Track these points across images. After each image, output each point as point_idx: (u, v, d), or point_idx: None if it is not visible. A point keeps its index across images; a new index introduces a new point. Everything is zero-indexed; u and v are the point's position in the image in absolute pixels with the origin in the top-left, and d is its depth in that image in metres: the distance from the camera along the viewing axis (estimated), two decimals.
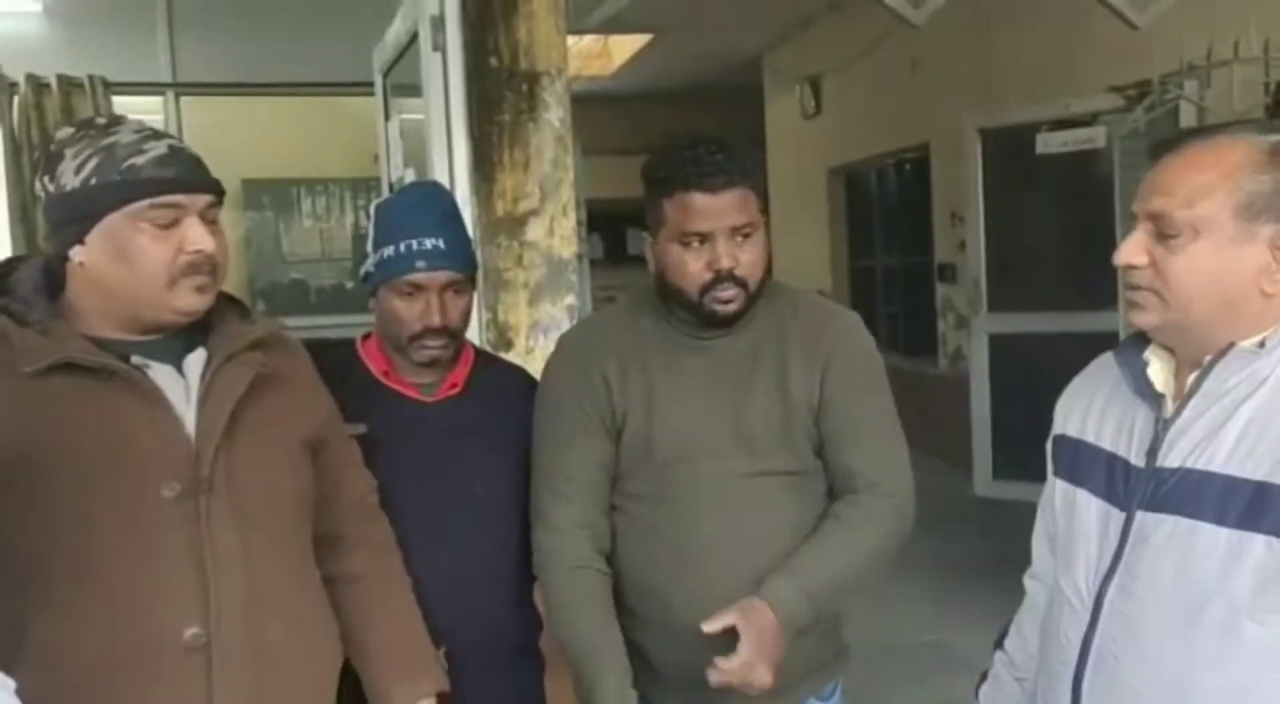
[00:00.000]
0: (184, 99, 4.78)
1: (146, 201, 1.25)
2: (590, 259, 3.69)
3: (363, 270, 1.78)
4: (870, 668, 1.52)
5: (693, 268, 1.60)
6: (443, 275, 1.70)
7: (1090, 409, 1.33)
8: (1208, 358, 1.18)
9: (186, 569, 1.25)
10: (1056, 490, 1.36)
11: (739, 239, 1.60)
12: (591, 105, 6.14)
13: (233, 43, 4.59)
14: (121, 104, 4.74)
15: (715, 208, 1.57)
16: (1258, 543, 1.11)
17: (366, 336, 1.82)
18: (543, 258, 2.65)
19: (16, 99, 4.51)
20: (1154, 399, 1.23)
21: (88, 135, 1.27)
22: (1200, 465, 1.16)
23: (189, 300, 1.29)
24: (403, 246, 1.69)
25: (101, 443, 1.24)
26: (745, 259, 1.60)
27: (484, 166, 2.62)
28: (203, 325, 1.35)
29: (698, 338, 1.67)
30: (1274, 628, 1.12)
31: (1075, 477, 1.32)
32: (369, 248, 1.76)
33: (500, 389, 1.80)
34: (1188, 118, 4.15)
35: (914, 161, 7.13)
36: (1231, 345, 1.16)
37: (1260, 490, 1.11)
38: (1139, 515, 1.21)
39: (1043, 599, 1.41)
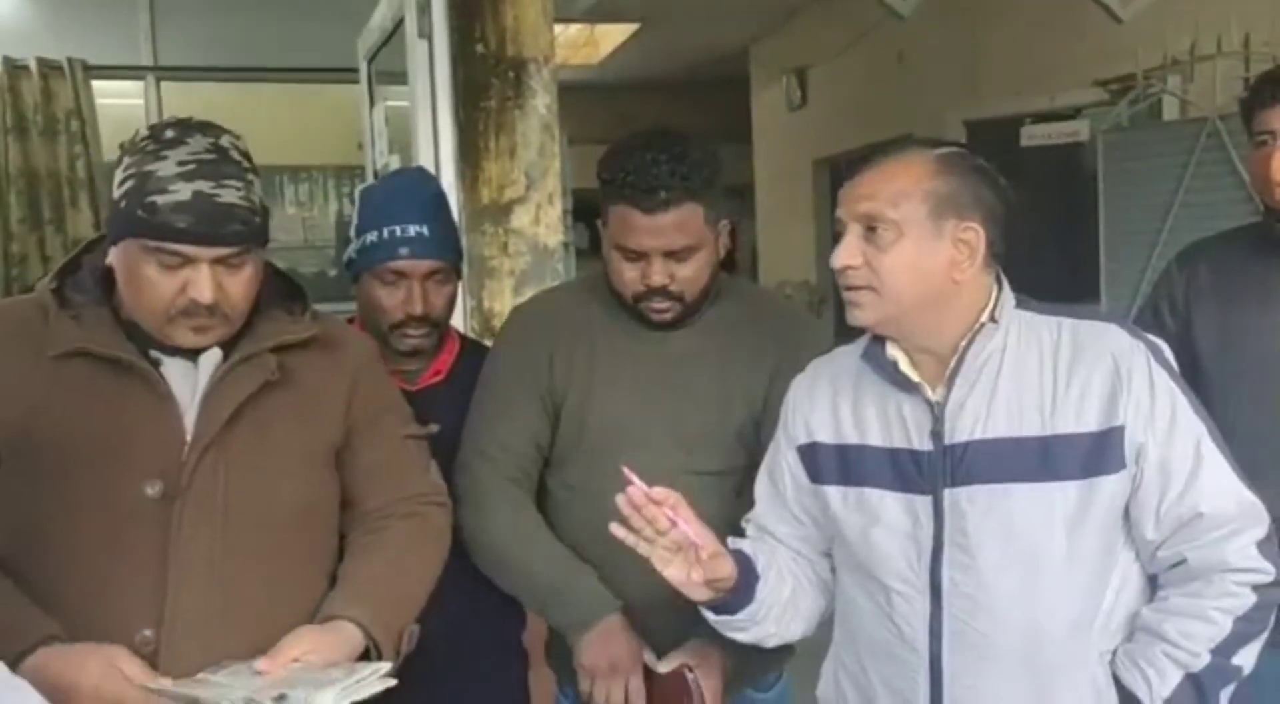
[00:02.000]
0: (165, 84, 4.73)
1: (155, 243, 1.25)
2: (575, 248, 3.68)
3: (345, 256, 1.77)
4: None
5: (628, 277, 1.58)
6: (426, 264, 1.68)
7: (838, 413, 1.41)
8: (961, 343, 1.32)
9: (149, 571, 1.24)
10: (829, 496, 1.41)
11: (677, 258, 1.56)
12: (578, 94, 6.12)
13: (215, 26, 4.54)
14: (101, 88, 4.69)
15: (651, 229, 1.53)
16: (1059, 489, 1.27)
17: (349, 322, 1.80)
18: (528, 246, 2.65)
19: None
20: (913, 388, 1.34)
21: (144, 150, 1.27)
22: (988, 435, 1.29)
23: (184, 337, 1.29)
24: (386, 233, 1.68)
25: (100, 433, 1.25)
26: (682, 275, 1.57)
27: (470, 154, 2.61)
28: (245, 321, 1.34)
29: (645, 330, 1.65)
30: (1091, 560, 1.29)
31: (852, 478, 1.39)
32: (352, 233, 1.74)
33: None
34: (1171, 111, 4.17)
35: None
36: (981, 326, 1.31)
37: (1044, 444, 1.27)
38: (946, 493, 1.31)
39: (756, 537, 1.49)
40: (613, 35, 7.60)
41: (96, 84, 4.64)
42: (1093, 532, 1.29)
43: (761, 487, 1.53)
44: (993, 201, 1.32)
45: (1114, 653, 1.31)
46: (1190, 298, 1.81)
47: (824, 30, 7.17)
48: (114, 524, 1.25)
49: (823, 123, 7.71)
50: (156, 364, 1.29)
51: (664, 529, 1.33)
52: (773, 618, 1.44)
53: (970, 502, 1.29)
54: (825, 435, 1.42)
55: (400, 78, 2.90)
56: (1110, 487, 1.28)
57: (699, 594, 1.38)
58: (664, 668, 1.54)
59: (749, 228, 8.61)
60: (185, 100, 4.79)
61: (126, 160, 1.28)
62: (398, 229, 1.67)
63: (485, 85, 2.60)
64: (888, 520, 1.34)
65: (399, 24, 2.81)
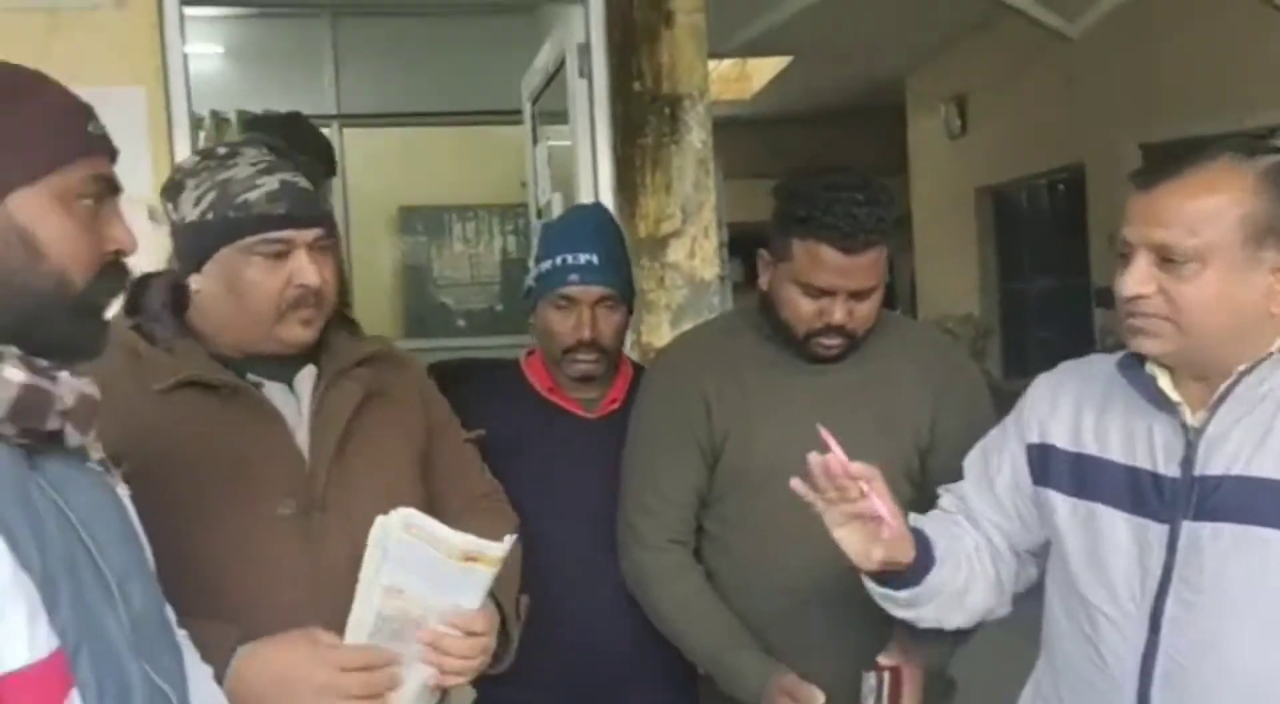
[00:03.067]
0: (347, 130, 5.04)
1: (257, 237, 1.28)
2: (731, 281, 3.71)
3: (525, 286, 1.84)
4: None
5: (805, 312, 1.56)
6: (594, 290, 1.73)
7: (1081, 421, 1.31)
8: (1239, 368, 1.18)
9: (298, 583, 1.28)
10: (1055, 504, 1.33)
11: (859, 297, 1.55)
12: (730, 129, 6.18)
13: (392, 75, 4.83)
14: None
15: (845, 269, 1.52)
16: None
17: (530, 353, 1.87)
18: (684, 279, 2.69)
19: (201, 134, 4.86)
20: (1170, 409, 1.22)
21: (208, 166, 1.31)
22: (1250, 472, 1.16)
23: (295, 333, 1.32)
24: (558, 260, 1.74)
25: (221, 459, 1.27)
26: (860, 313, 1.57)
27: (627, 189, 2.68)
28: (314, 343, 1.37)
29: (801, 362, 1.63)
30: None
31: (1085, 491, 1.29)
32: (531, 263, 1.82)
33: None
34: None
35: (1068, 180, 6.88)
36: (1268, 356, 1.17)
37: None
38: (1186, 526, 1.19)
39: (951, 510, 1.44)
40: (765, 69, 7.64)
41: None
42: None
43: (973, 464, 1.45)
44: None
45: None
46: None
47: (985, 56, 7.02)
48: (256, 543, 1.27)
49: (985, 151, 7.52)
50: (258, 387, 1.33)
51: (853, 498, 1.27)
52: (935, 604, 1.37)
53: (1214, 539, 1.18)
54: (1061, 440, 1.33)
55: (561, 117, 3.01)
56: None
57: (868, 566, 1.31)
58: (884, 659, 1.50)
59: (906, 260, 8.45)
60: (365, 144, 5.11)
61: (190, 182, 1.30)
62: (569, 257, 1.73)
63: (642, 122, 2.67)
64: (1114, 542, 1.25)
65: (561, 65, 2.92)
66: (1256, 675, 1.17)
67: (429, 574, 1.23)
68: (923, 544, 1.34)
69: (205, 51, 4.86)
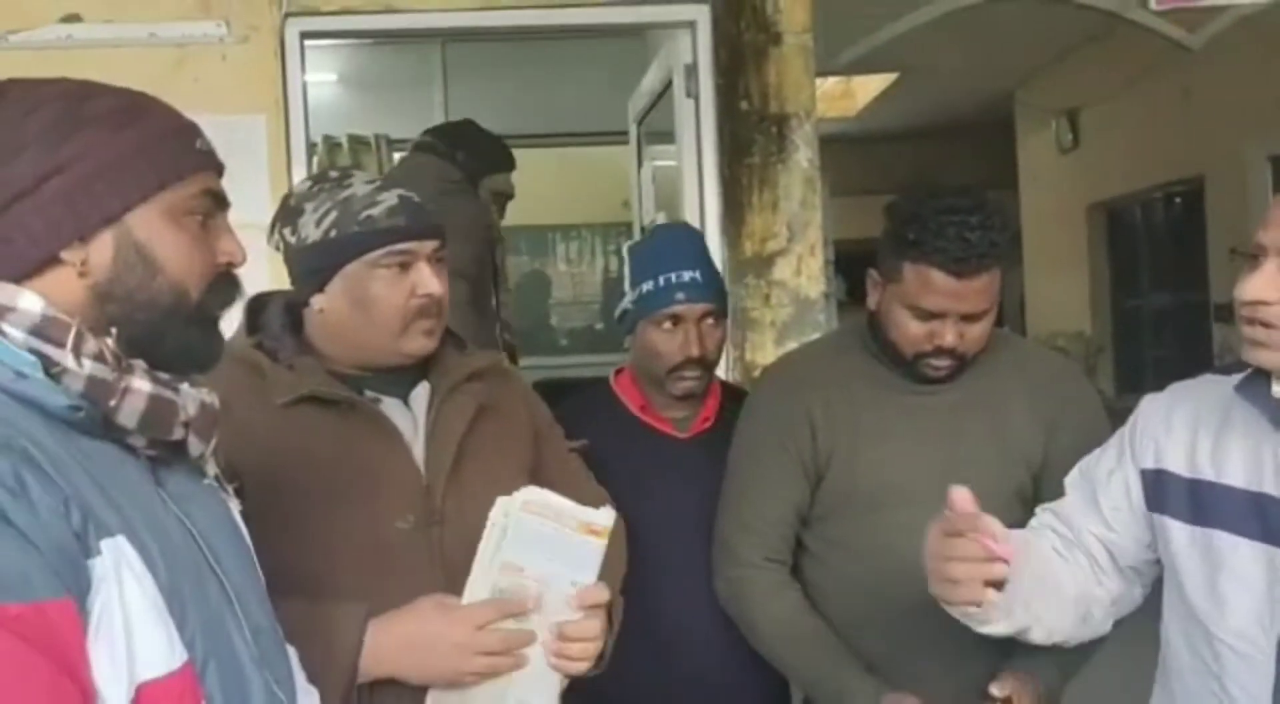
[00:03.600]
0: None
1: (383, 250, 1.31)
2: (836, 299, 3.68)
3: (619, 309, 1.84)
4: None
5: (914, 334, 1.54)
6: (701, 306, 1.74)
7: (1197, 445, 1.27)
8: None
9: (419, 597, 1.28)
10: (1172, 532, 1.29)
11: (970, 320, 1.53)
12: (835, 146, 6.13)
13: (499, 98, 4.92)
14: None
15: (957, 293, 1.49)
16: None
17: (618, 372, 1.88)
18: (790, 297, 2.68)
19: (315, 158, 5.03)
20: None
21: (324, 189, 1.34)
22: None
23: (419, 343, 1.35)
24: (662, 280, 1.74)
25: (342, 473, 1.30)
26: (972, 336, 1.54)
27: (733, 208, 2.69)
28: (423, 359, 1.39)
29: (909, 382, 1.61)
30: None
31: (1203, 518, 1.24)
32: (626, 287, 1.82)
33: None
34: None
35: (1185, 194, 6.63)
36: None
37: None
38: None
39: (1049, 533, 1.39)
40: (870, 86, 7.57)
41: (398, 155, 5.12)
42: None
43: (1075, 483, 1.41)
44: None
45: None
46: None
47: (1098, 69, 6.82)
48: (376, 555, 1.29)
49: (1098, 165, 7.31)
50: (375, 403, 1.35)
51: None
52: (1034, 606, 1.31)
53: None
54: (1177, 466, 1.29)
55: (667, 137, 3.03)
56: None
57: (976, 597, 1.23)
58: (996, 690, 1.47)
59: (1015, 277, 8.24)
60: None
61: (309, 205, 1.33)
62: (673, 276, 1.74)
63: (749, 141, 2.67)
64: (1239, 570, 1.21)
65: (667, 86, 2.94)
66: None
67: (548, 550, 1.24)
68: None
69: (321, 79, 5.03)
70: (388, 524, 1.31)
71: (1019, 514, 1.57)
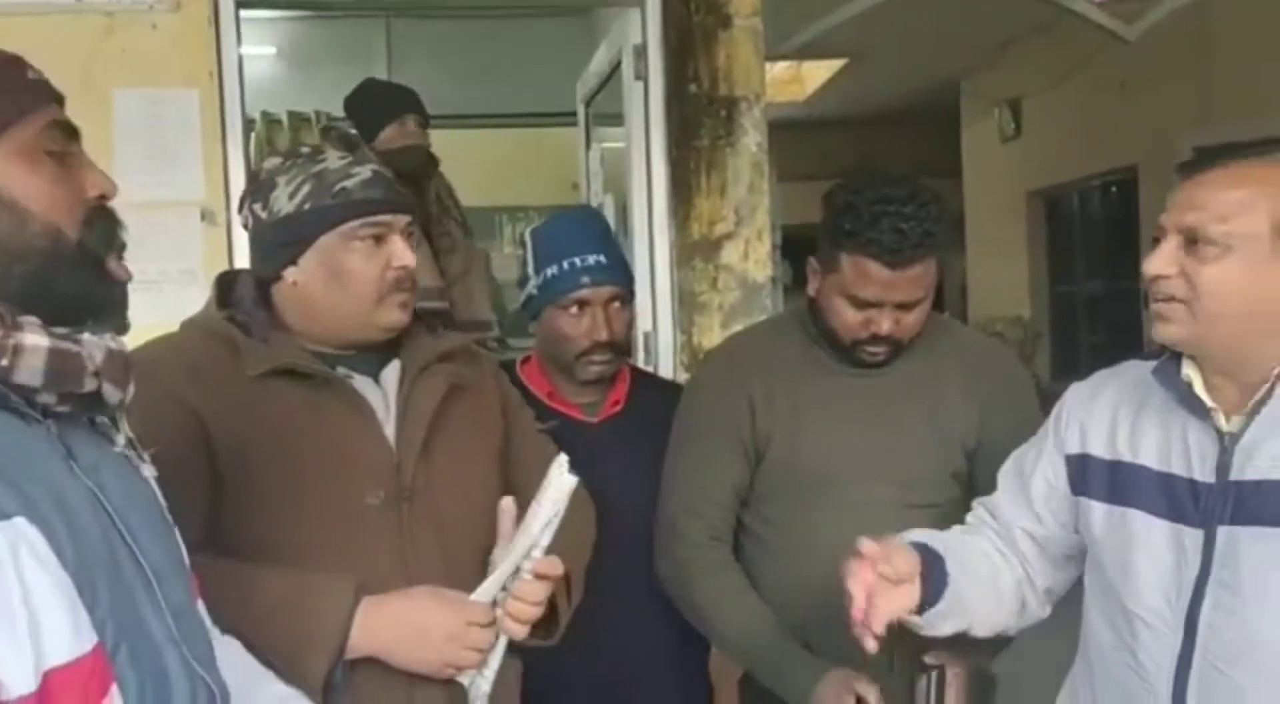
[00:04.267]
0: None
1: (359, 221, 1.32)
2: (783, 283, 3.69)
3: (524, 295, 1.81)
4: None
5: (851, 322, 1.57)
6: (607, 290, 1.73)
7: (1116, 429, 1.32)
8: (1276, 371, 1.18)
9: (393, 572, 1.30)
10: (1093, 512, 1.34)
11: (905, 308, 1.55)
12: (783, 131, 6.15)
13: (445, 77, 4.85)
14: None
15: (893, 283, 1.52)
16: None
17: (525, 360, 1.86)
18: (737, 281, 2.68)
19: (253, 135, 4.92)
20: (1205, 414, 1.23)
21: (297, 163, 1.35)
22: None
23: (394, 316, 1.35)
24: (566, 264, 1.73)
25: (314, 448, 1.30)
26: (907, 322, 1.57)
27: (681, 191, 2.68)
28: (393, 339, 1.40)
29: (849, 366, 1.63)
30: None
31: (1120, 497, 1.30)
32: (530, 272, 1.79)
33: (661, 406, 1.78)
34: None
35: (1121, 184, 6.78)
36: None
37: None
38: (1223, 531, 1.20)
39: (986, 531, 1.44)
40: (819, 72, 7.60)
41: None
42: None
43: (1007, 475, 1.46)
44: None
45: None
46: None
47: (1040, 60, 6.93)
48: (346, 530, 1.29)
49: (1038, 154, 7.43)
50: (348, 380, 1.35)
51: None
52: (961, 616, 1.37)
53: (1254, 543, 1.18)
54: (1098, 449, 1.34)
55: (615, 119, 3.01)
56: None
57: (911, 600, 1.32)
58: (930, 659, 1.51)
59: (957, 262, 8.36)
60: None
61: (280, 179, 1.33)
62: (577, 260, 1.73)
63: (698, 124, 2.66)
64: (1150, 548, 1.26)
65: (616, 68, 2.92)
66: None
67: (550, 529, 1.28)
68: (935, 561, 1.35)
69: (258, 53, 4.92)
70: (358, 499, 1.31)
71: (955, 493, 1.63)
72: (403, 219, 1.36)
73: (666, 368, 2.66)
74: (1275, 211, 1.16)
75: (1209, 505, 1.22)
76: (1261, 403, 1.20)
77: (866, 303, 1.54)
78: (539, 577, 1.28)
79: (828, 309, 1.60)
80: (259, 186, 1.36)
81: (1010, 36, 6.86)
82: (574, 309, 1.73)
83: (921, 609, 1.35)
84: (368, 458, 1.32)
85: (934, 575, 1.34)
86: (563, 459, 1.28)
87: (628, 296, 1.79)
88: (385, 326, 1.36)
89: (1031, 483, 1.42)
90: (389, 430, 1.35)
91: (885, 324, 1.55)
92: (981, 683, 1.63)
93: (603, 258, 1.74)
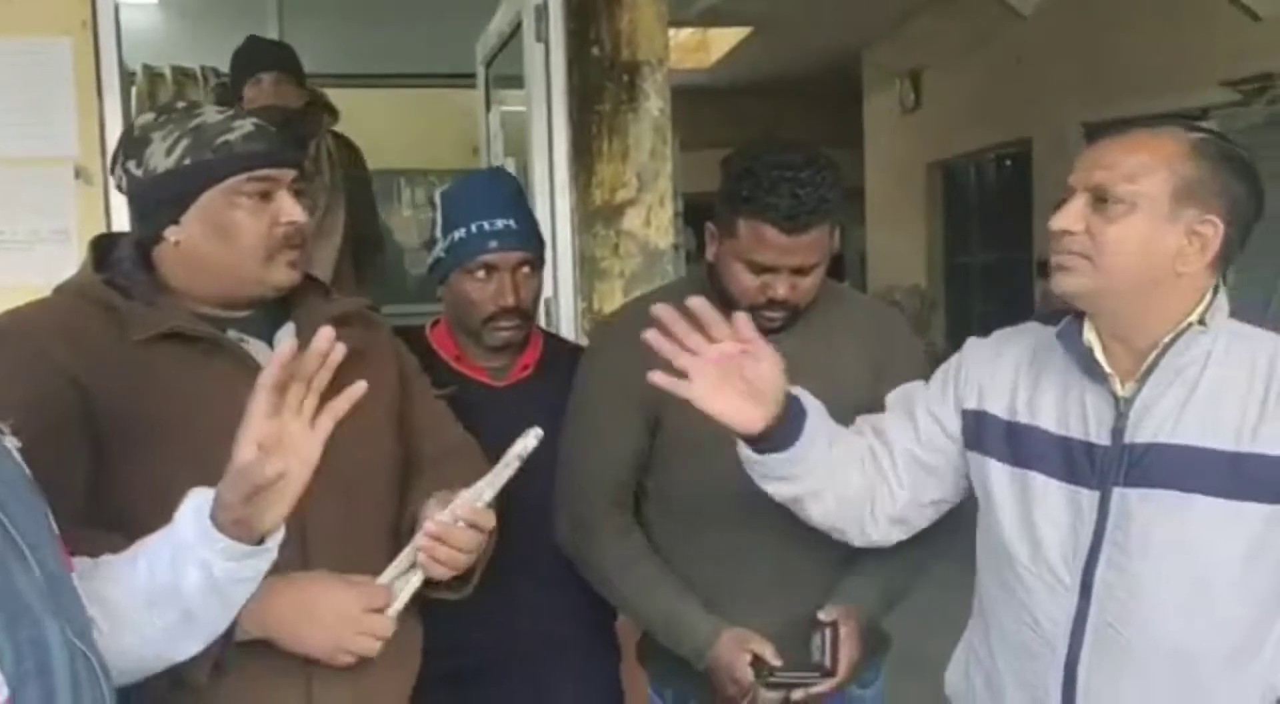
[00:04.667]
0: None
1: (243, 176, 1.27)
2: (685, 251, 3.69)
3: (431, 258, 1.78)
4: None
5: (748, 286, 1.58)
6: (515, 255, 1.70)
7: (1016, 391, 1.36)
8: (1165, 338, 1.25)
9: (290, 541, 1.25)
10: (991, 471, 1.37)
11: (802, 273, 1.57)
12: (689, 98, 6.13)
13: (340, 35, 4.70)
14: None
15: (789, 248, 1.53)
16: (1247, 510, 1.20)
17: (435, 323, 1.83)
18: (639, 247, 2.67)
19: (134, 89, 4.69)
20: (1103, 379, 1.28)
21: (172, 118, 1.29)
22: (1175, 440, 1.23)
23: (284, 274, 1.32)
24: (474, 228, 1.69)
25: (205, 413, 1.25)
26: (803, 287, 1.59)
27: (583, 156, 2.64)
28: (284, 302, 1.37)
29: None
30: (1263, 592, 1.22)
31: (1021, 460, 1.34)
32: (437, 234, 1.76)
33: (571, 371, 1.77)
34: None
35: (1015, 156, 6.96)
36: (1189, 326, 1.24)
37: (1235, 460, 1.20)
38: (1117, 492, 1.25)
39: (866, 436, 1.48)
40: (725, 39, 7.60)
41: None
42: (1273, 562, 1.22)
43: (896, 403, 1.50)
44: (1243, 199, 1.23)
45: None
46: None
47: (940, 33, 7.05)
48: None
49: (937, 126, 7.58)
50: (240, 343, 1.32)
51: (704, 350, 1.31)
52: (809, 480, 1.40)
53: (1142, 504, 1.24)
54: (997, 408, 1.37)
55: (516, 82, 2.95)
56: None
57: (754, 427, 1.34)
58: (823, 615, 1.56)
59: (856, 232, 8.50)
60: None
61: (156, 135, 1.28)
62: (485, 224, 1.69)
63: (600, 88, 2.63)
64: (1048, 509, 1.30)
65: (516, 29, 2.86)
66: (1181, 638, 1.23)
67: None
68: (798, 413, 1.36)
69: (139, 1, 4.68)
70: None
71: None
72: (289, 173, 1.32)
73: (568, 334, 2.63)
74: (1174, 179, 1.22)
75: (1104, 467, 1.26)
76: (1152, 368, 1.25)
77: (763, 268, 1.56)
78: (471, 527, 1.27)
79: (725, 274, 1.61)
80: (132, 143, 1.31)
81: (911, 8, 6.96)
82: (480, 273, 1.70)
83: (761, 446, 1.36)
84: None
85: (791, 421, 1.35)
86: (537, 431, 1.29)
87: (537, 263, 1.76)
88: (275, 285, 1.32)
89: (917, 416, 1.45)
90: None
91: (781, 289, 1.56)
92: (874, 639, 1.68)
93: (512, 222, 1.71)
